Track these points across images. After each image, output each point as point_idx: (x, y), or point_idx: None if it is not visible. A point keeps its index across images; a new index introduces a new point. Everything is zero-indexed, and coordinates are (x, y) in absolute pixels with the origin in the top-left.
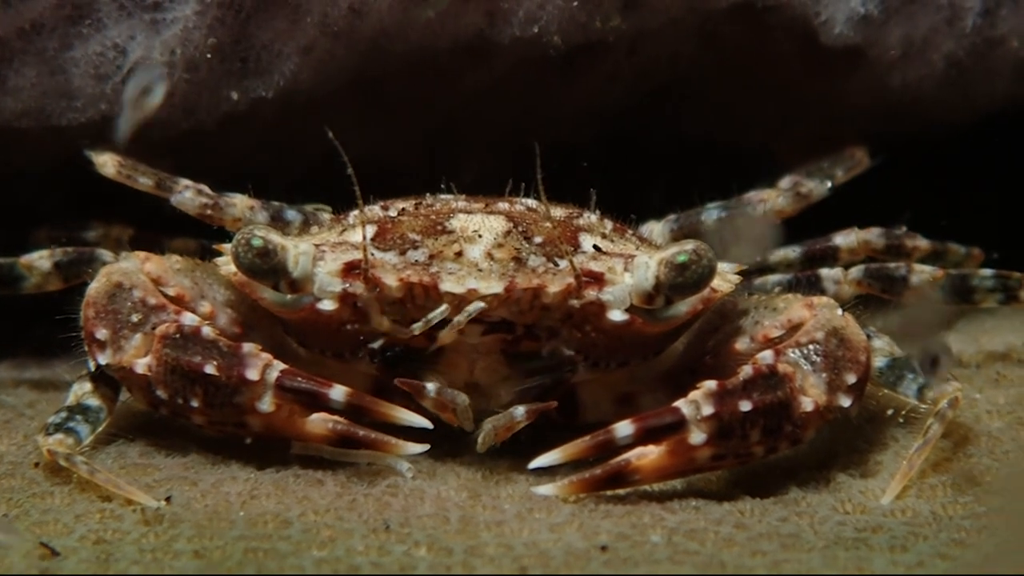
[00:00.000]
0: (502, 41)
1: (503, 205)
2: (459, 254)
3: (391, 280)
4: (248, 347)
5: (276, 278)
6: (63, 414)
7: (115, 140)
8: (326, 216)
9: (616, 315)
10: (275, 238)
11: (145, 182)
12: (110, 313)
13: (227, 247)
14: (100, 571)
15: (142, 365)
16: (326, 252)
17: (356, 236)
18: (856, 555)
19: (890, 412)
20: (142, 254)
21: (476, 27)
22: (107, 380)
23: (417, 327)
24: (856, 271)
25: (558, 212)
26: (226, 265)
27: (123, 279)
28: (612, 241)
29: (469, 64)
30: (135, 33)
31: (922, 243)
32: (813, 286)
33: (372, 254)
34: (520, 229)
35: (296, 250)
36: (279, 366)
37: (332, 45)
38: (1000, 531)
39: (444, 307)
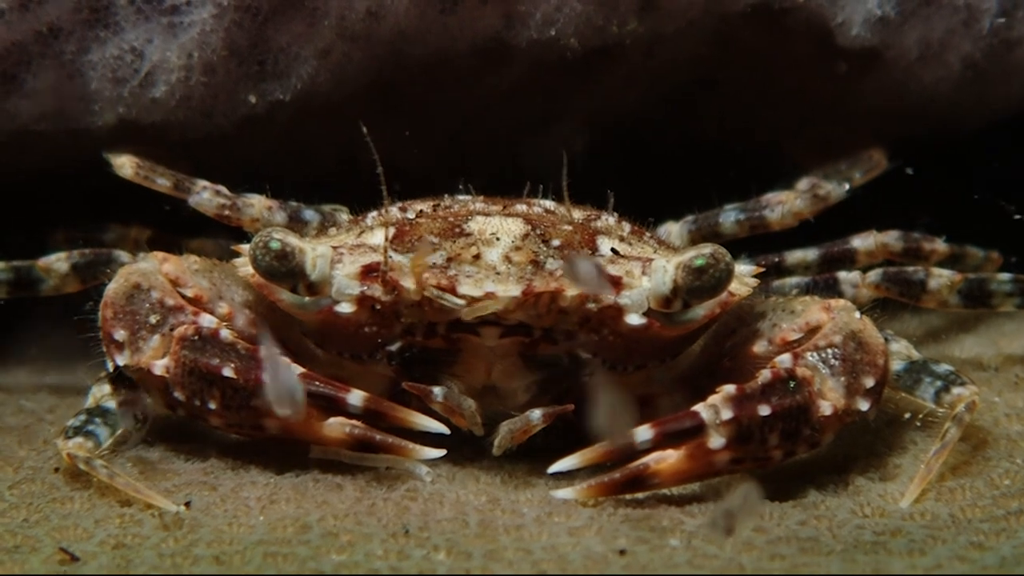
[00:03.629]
0: (519, 44)
1: (521, 207)
2: (477, 257)
3: (409, 283)
4: None
5: (294, 281)
6: (82, 417)
7: None
8: (344, 217)
9: (633, 319)
10: (293, 241)
11: (163, 183)
12: (128, 314)
13: (245, 248)
14: None
15: (160, 367)
16: (344, 255)
17: (374, 238)
18: (875, 559)
19: (908, 415)
20: (160, 255)
21: (493, 29)
22: (126, 381)
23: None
24: (874, 274)
25: (576, 214)
26: (244, 267)
27: (141, 280)
28: (630, 244)
29: (486, 67)
30: (152, 36)
31: (940, 246)
32: (831, 289)
33: (390, 257)
34: (538, 232)
35: (314, 253)
36: (297, 369)
37: (349, 48)
38: (1019, 534)
39: (461, 301)
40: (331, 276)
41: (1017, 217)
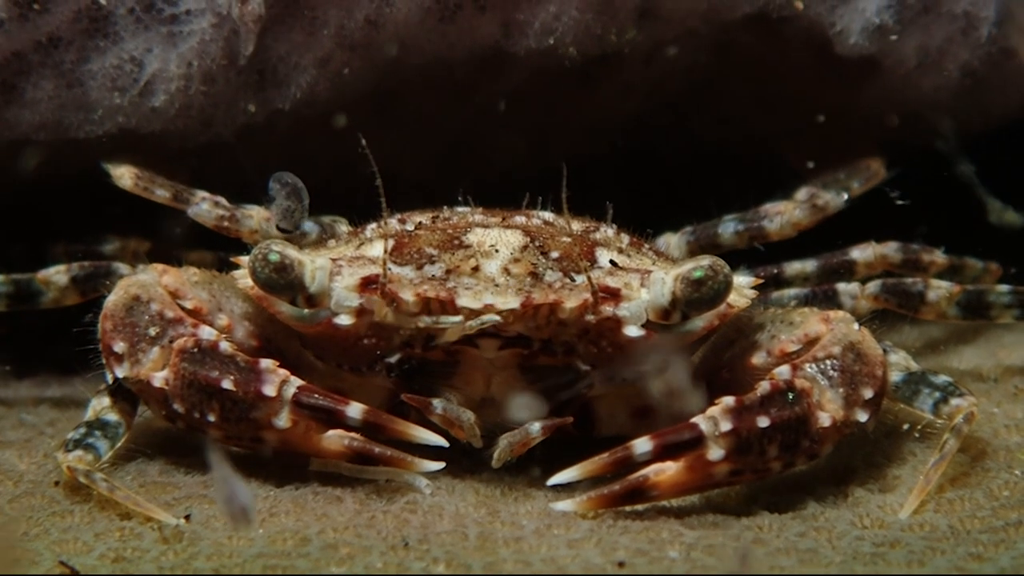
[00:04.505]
0: (518, 53)
1: (520, 219)
2: (476, 269)
3: (408, 295)
4: (266, 363)
5: (293, 293)
6: (82, 430)
7: None
8: (343, 228)
9: (632, 331)
10: (292, 253)
11: (162, 194)
12: (128, 326)
13: (244, 260)
14: None
15: (159, 379)
16: (343, 267)
17: (373, 250)
18: (873, 570)
19: (906, 427)
20: (160, 266)
21: (492, 39)
22: (125, 394)
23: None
24: (873, 286)
25: (575, 226)
26: (243, 279)
27: (141, 292)
28: (629, 256)
29: (484, 76)
30: (152, 46)
31: (939, 258)
32: (830, 300)
33: (389, 269)
34: (537, 244)
35: (313, 265)
36: (296, 382)
37: (349, 57)
38: (1018, 545)
39: (458, 318)
40: (330, 288)
41: (900, 203)
